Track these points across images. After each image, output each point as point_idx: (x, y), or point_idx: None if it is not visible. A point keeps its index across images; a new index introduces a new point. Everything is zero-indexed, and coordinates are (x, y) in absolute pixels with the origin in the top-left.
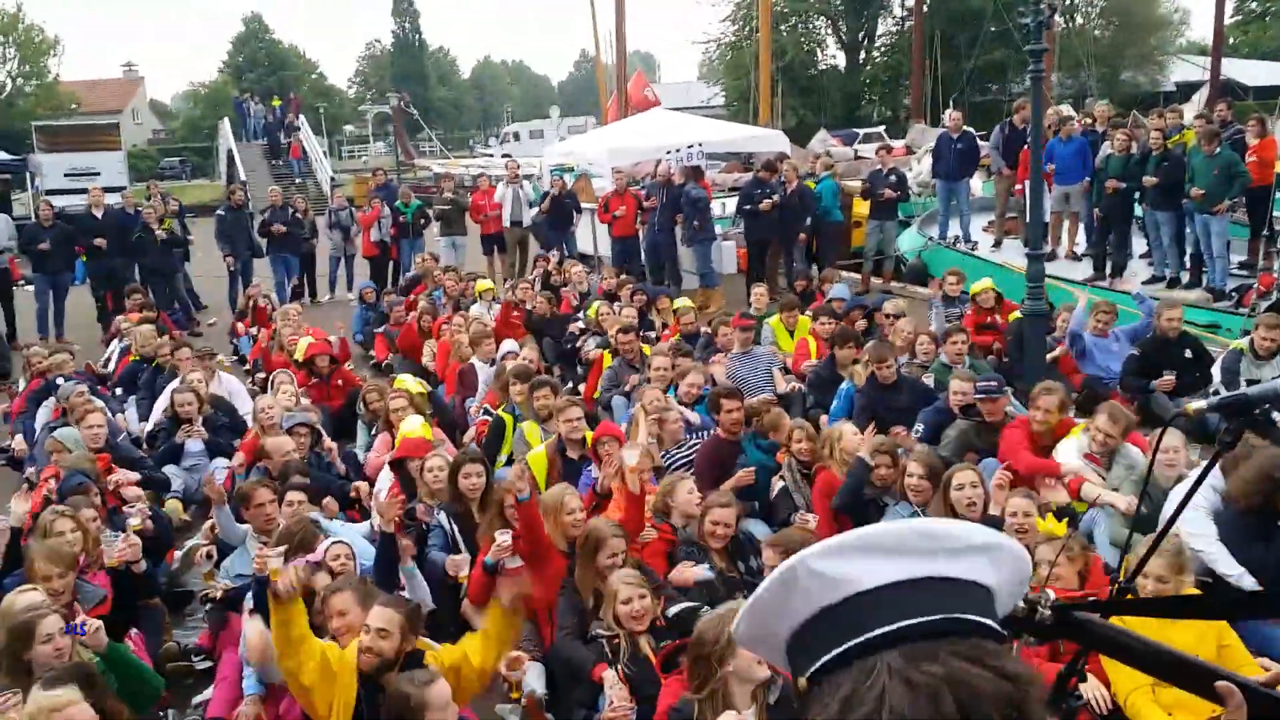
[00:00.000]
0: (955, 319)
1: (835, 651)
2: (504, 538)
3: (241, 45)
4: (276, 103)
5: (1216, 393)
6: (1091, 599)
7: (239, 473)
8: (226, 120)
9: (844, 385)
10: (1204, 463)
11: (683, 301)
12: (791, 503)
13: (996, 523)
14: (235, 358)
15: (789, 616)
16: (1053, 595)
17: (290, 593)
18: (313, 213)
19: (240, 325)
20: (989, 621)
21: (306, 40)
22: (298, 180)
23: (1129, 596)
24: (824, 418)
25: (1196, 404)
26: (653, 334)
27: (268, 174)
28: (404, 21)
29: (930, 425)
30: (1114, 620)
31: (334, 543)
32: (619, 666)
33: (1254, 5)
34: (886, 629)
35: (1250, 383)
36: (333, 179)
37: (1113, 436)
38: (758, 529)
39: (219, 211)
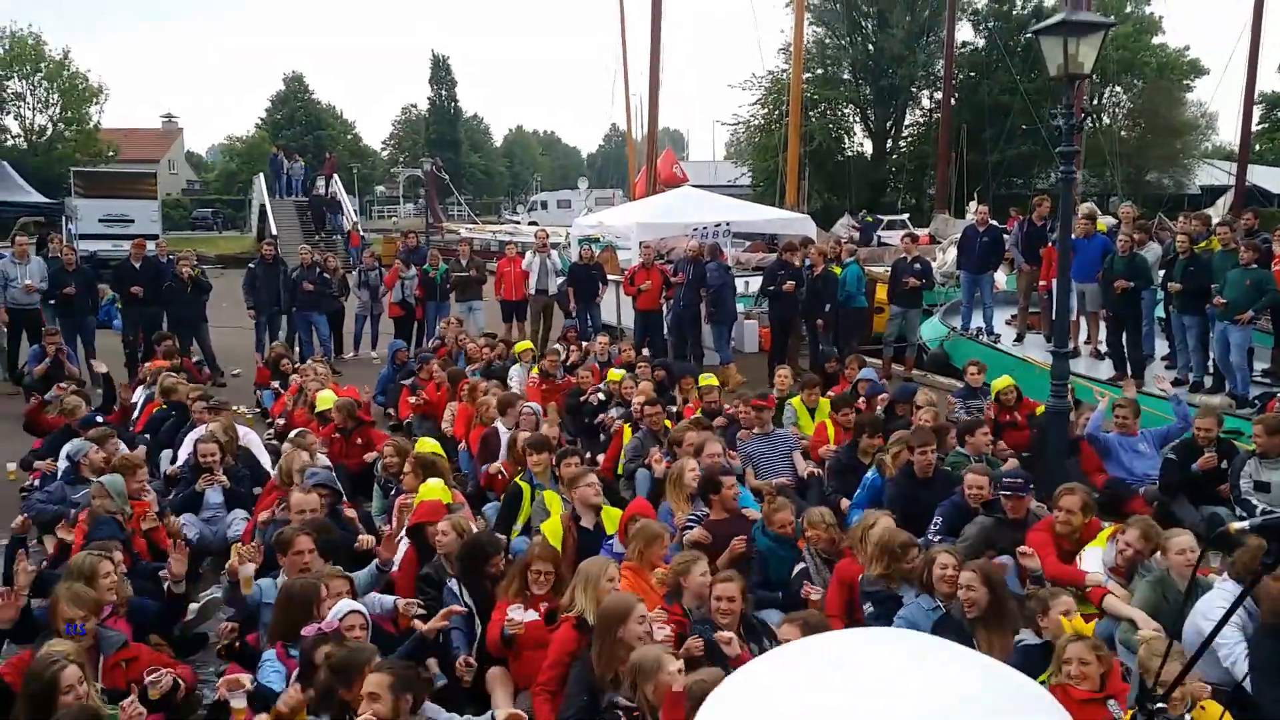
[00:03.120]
0: (976, 410)
1: None
2: (518, 614)
3: (281, 103)
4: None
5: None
6: None
7: (262, 528)
8: (261, 175)
9: (869, 474)
10: (1224, 575)
11: (707, 378)
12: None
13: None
14: (258, 410)
15: None
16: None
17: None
18: (343, 271)
19: (264, 379)
20: None
21: (344, 101)
22: (332, 237)
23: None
24: (844, 502)
25: (1239, 525)
26: (674, 408)
27: (299, 230)
28: (441, 89)
29: (948, 519)
30: None
31: (349, 612)
32: None
33: None
34: None
35: (1257, 484)
36: (363, 237)
37: (1140, 553)
38: (773, 618)
39: (250, 265)
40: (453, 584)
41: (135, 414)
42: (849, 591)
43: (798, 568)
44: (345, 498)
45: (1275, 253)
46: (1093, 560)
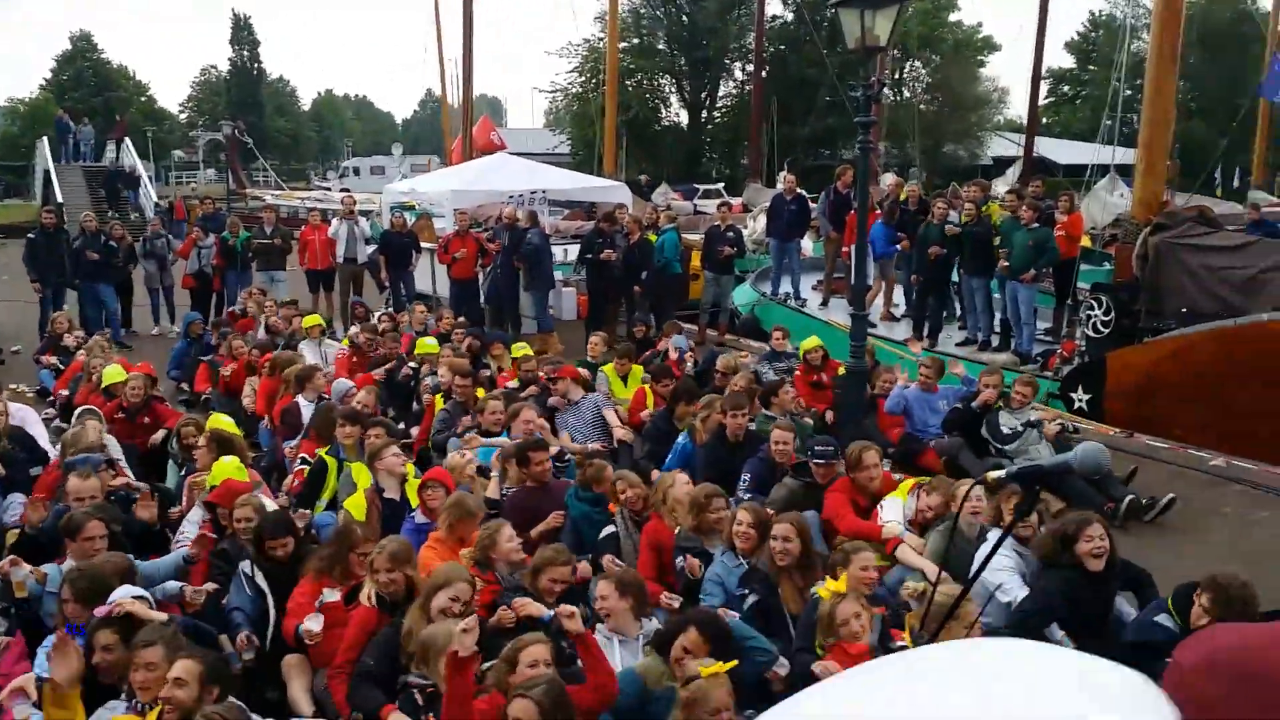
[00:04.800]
0: (782, 373)
1: None
2: (314, 624)
3: (67, 63)
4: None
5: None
6: None
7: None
8: (45, 140)
9: (680, 440)
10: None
11: (522, 347)
12: (618, 549)
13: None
14: (39, 389)
15: None
16: None
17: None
18: (130, 240)
19: (45, 357)
20: None
21: (138, 62)
22: (130, 216)
23: None
24: (654, 472)
25: (995, 474)
26: (487, 375)
27: (87, 197)
28: (243, 49)
29: (756, 475)
30: None
31: (131, 598)
32: (427, 716)
33: (1065, 89)
34: None
35: (1012, 432)
36: (157, 205)
37: (940, 514)
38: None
39: (30, 235)
40: (246, 565)
41: None
42: (659, 554)
43: (606, 531)
44: (134, 478)
45: (1057, 219)
46: (893, 510)
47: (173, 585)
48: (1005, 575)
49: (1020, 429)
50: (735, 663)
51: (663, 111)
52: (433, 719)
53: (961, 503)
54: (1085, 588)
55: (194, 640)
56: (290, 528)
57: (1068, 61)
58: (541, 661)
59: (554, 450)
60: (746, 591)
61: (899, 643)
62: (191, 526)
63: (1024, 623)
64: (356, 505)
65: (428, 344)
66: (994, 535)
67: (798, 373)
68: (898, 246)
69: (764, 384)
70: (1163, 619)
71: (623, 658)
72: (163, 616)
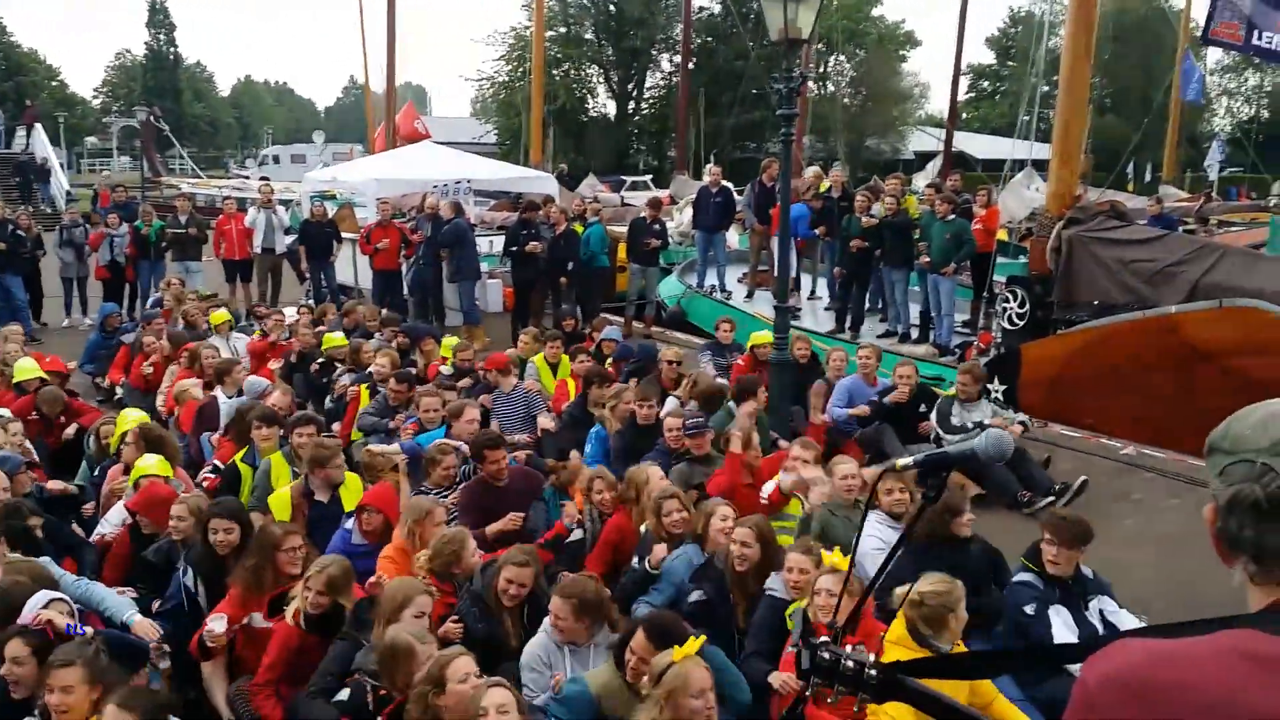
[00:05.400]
0: (723, 368)
1: None
2: (218, 625)
3: None
4: None
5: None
6: (915, 660)
7: None
8: None
9: (594, 428)
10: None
11: (453, 339)
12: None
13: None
14: None
15: None
16: (872, 657)
17: None
18: (38, 228)
19: None
20: None
21: (48, 45)
22: (39, 196)
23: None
24: (574, 454)
25: (903, 461)
26: (414, 371)
27: None
28: (159, 33)
29: (657, 464)
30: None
31: (51, 600)
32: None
33: (985, 85)
34: None
35: (959, 426)
36: (69, 193)
37: (805, 461)
38: None
39: None
40: (188, 576)
41: None
42: (615, 551)
43: (575, 535)
44: (46, 475)
45: (975, 212)
46: (768, 486)
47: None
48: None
49: (970, 427)
50: (704, 638)
51: (590, 102)
52: None
53: (873, 488)
54: (947, 555)
55: (122, 658)
56: (238, 515)
57: (988, 57)
58: (471, 674)
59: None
60: (694, 587)
61: (821, 638)
62: (109, 526)
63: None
64: (280, 503)
65: (335, 339)
66: (870, 521)
67: (740, 363)
68: (816, 232)
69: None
70: (1023, 576)
71: (573, 666)
72: (89, 630)
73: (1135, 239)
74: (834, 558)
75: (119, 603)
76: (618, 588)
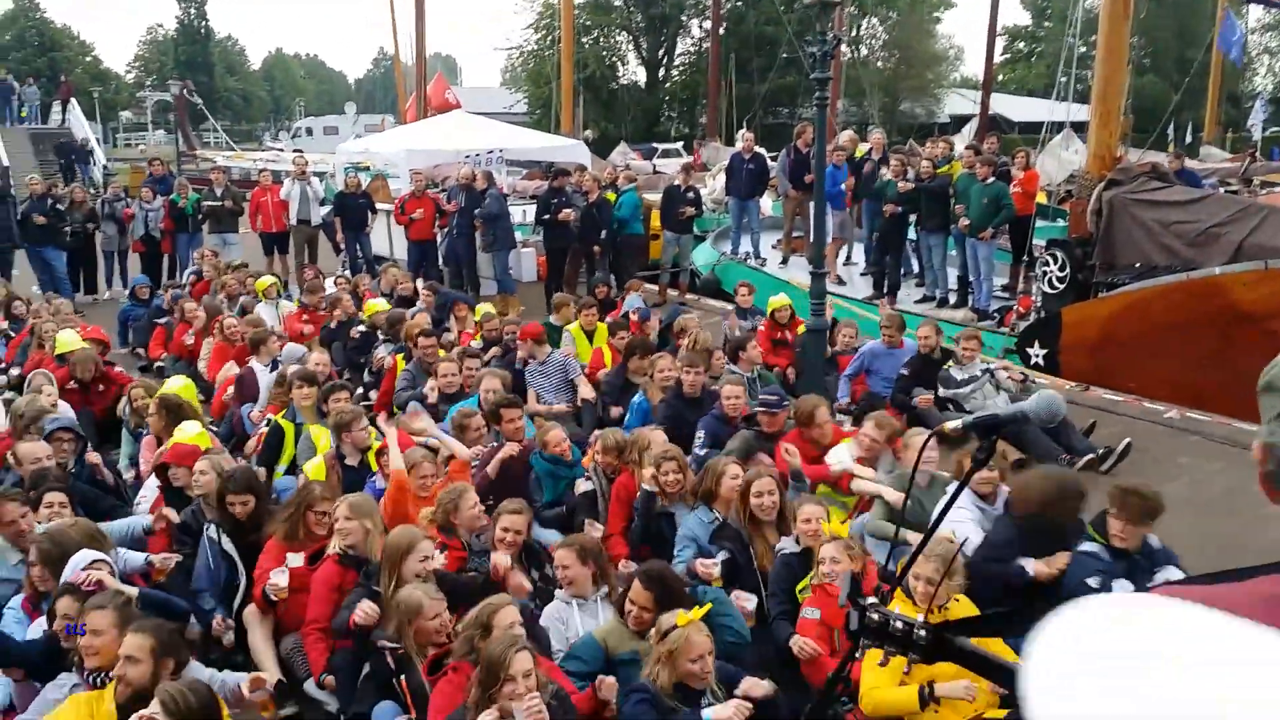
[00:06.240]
0: (747, 331)
1: None
2: (281, 579)
3: (9, 23)
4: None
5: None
6: (964, 619)
7: None
8: None
9: (636, 397)
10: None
11: (485, 307)
12: (593, 507)
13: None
14: None
15: None
16: (921, 617)
17: None
18: (91, 203)
19: None
20: None
21: (82, 21)
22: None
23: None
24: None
25: (952, 424)
26: (450, 338)
27: (33, 160)
28: (190, 7)
29: (710, 431)
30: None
31: (94, 561)
32: (401, 679)
33: (1021, 46)
34: None
35: (963, 380)
36: (105, 168)
37: (878, 442)
38: (550, 538)
39: None
40: (211, 530)
41: None
42: (629, 509)
43: (584, 487)
44: (90, 445)
45: (1014, 175)
46: (839, 456)
47: (135, 556)
48: (968, 528)
49: (978, 375)
50: (710, 606)
51: (620, 69)
52: (405, 682)
53: (919, 455)
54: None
55: (163, 615)
56: (252, 485)
57: (1024, 18)
58: (516, 622)
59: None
60: (718, 548)
61: (870, 599)
62: (151, 493)
63: (984, 568)
64: (317, 469)
65: (376, 305)
66: (952, 488)
67: (762, 328)
68: (842, 186)
69: (728, 340)
70: (1088, 546)
71: (582, 621)
72: (132, 591)
73: (1177, 200)
74: (833, 527)
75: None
76: (633, 532)
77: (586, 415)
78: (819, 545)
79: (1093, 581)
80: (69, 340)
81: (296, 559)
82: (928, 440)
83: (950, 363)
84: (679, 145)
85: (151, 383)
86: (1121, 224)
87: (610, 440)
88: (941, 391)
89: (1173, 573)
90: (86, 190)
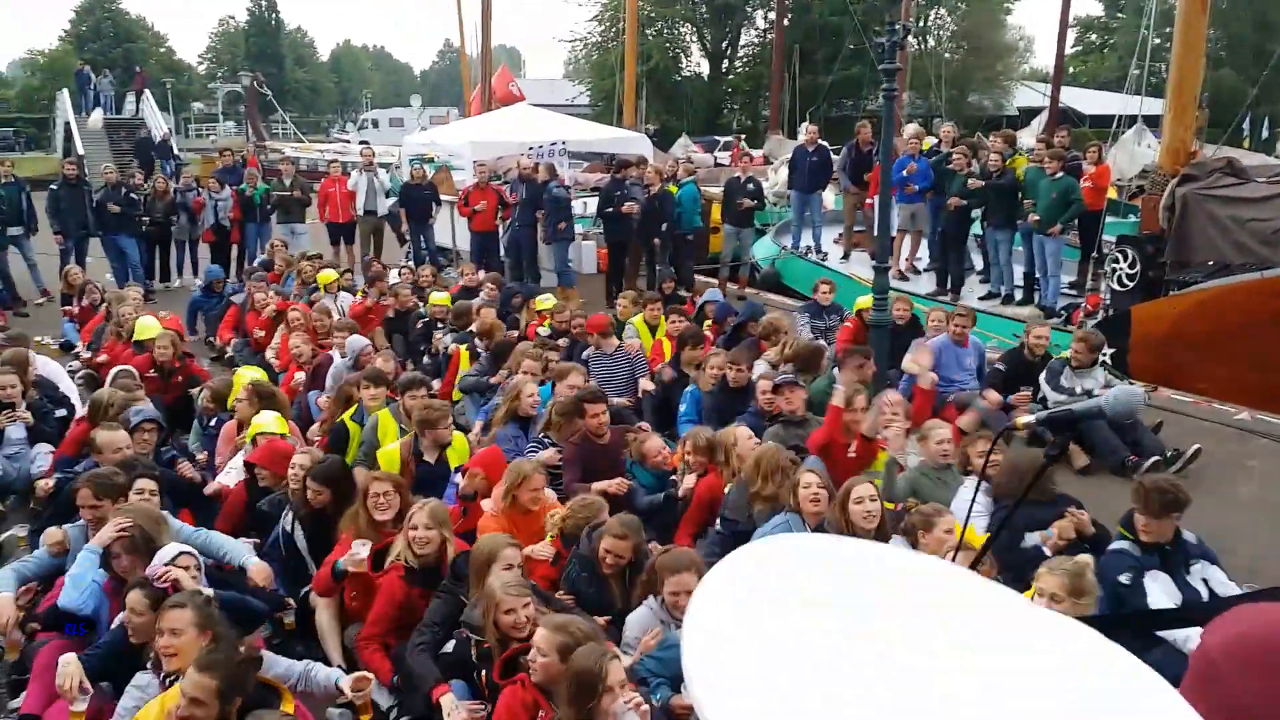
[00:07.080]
0: (821, 330)
1: None
2: (361, 550)
3: (86, 14)
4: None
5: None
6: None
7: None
8: (66, 92)
9: (689, 388)
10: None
11: (545, 300)
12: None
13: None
14: (63, 340)
15: None
16: None
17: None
18: (174, 194)
19: (69, 309)
20: None
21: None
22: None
23: None
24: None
25: (1025, 419)
26: (515, 333)
27: (108, 149)
28: (260, 0)
29: (750, 429)
30: None
31: (180, 554)
32: (480, 673)
33: (1093, 38)
34: None
35: (1068, 389)
36: (178, 158)
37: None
38: None
39: (53, 187)
40: (287, 521)
41: None
42: (708, 513)
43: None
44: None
45: (1085, 169)
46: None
47: (238, 548)
48: (982, 523)
49: (1078, 392)
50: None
51: (683, 61)
52: (484, 676)
53: (987, 457)
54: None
55: (238, 621)
56: (332, 479)
57: (1096, 9)
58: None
59: None
60: None
61: None
62: (229, 477)
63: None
64: (389, 459)
65: (439, 298)
66: (970, 482)
67: (847, 325)
68: (903, 172)
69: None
70: (1119, 544)
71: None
72: (207, 592)
73: (1253, 197)
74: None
75: (237, 548)
76: (705, 546)
77: (648, 408)
78: (943, 554)
79: (1124, 578)
80: (149, 327)
81: (364, 547)
82: (998, 439)
83: (1064, 360)
84: (741, 138)
85: (219, 386)
86: (1195, 220)
87: (701, 439)
88: (1046, 390)
89: (1212, 569)
90: (169, 182)
